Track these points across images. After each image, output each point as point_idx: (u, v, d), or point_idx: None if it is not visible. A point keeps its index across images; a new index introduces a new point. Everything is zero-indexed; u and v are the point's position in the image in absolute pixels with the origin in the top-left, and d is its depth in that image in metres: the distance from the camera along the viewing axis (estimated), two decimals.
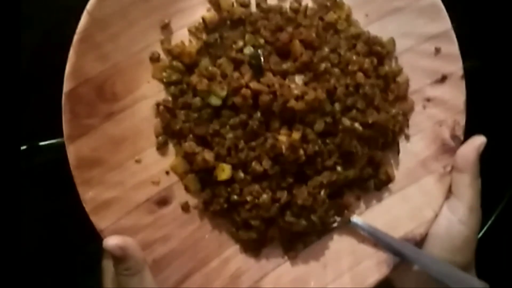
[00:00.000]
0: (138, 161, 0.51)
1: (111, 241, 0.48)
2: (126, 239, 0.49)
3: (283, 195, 0.51)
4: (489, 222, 0.71)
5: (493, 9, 0.70)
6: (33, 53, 0.62)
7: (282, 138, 0.50)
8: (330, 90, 0.51)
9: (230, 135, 0.50)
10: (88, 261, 0.66)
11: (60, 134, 0.49)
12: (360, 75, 0.52)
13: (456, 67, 0.54)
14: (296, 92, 0.49)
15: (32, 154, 0.64)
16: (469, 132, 0.55)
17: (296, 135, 0.50)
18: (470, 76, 0.55)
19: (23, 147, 0.63)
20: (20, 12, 0.47)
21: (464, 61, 0.55)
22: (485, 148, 0.53)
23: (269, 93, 0.49)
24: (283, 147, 0.49)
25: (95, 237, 0.50)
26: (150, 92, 0.52)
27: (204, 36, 0.52)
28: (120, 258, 0.48)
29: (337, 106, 0.51)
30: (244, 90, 0.49)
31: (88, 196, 0.49)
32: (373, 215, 0.55)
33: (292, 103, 0.49)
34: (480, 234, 0.68)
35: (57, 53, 0.49)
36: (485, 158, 0.53)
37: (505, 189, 0.73)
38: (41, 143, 0.64)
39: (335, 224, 0.54)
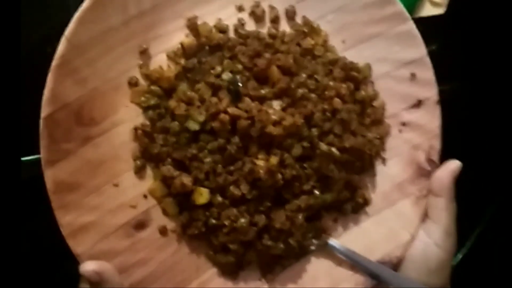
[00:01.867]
0: (116, 185, 0.51)
1: (88, 267, 0.48)
2: (102, 264, 0.49)
3: (261, 219, 0.51)
4: (466, 247, 0.72)
5: (470, 33, 0.71)
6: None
7: (260, 162, 0.50)
8: (308, 115, 0.51)
9: (208, 159, 0.51)
10: (63, 281, 0.66)
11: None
12: (337, 101, 0.53)
13: (431, 92, 0.55)
14: (274, 117, 0.50)
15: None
16: (446, 155, 0.55)
17: (274, 160, 0.50)
18: (447, 99, 0.56)
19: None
20: (20, 28, 0.47)
21: (441, 83, 0.56)
22: (462, 172, 0.53)
23: (247, 118, 0.50)
24: (261, 172, 0.50)
25: (72, 257, 0.50)
26: (128, 116, 0.52)
27: (182, 61, 0.52)
28: (97, 283, 0.48)
29: (314, 131, 0.52)
30: (222, 115, 0.50)
31: (65, 220, 0.49)
32: (350, 238, 0.55)
33: (270, 128, 0.50)
34: (457, 260, 0.69)
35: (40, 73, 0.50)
36: (462, 182, 0.54)
37: (481, 215, 0.74)
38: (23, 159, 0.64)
39: (312, 247, 0.54)
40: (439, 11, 0.69)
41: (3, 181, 0.44)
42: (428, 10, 0.69)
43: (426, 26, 0.57)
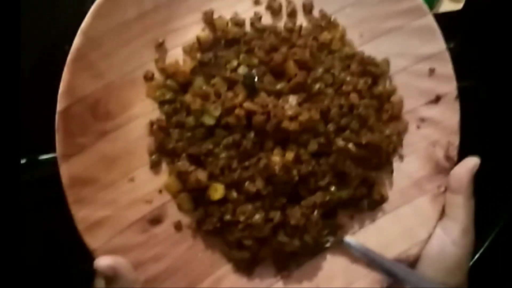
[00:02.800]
0: (131, 180, 0.51)
1: (103, 262, 0.47)
2: (117, 259, 0.48)
3: (276, 215, 0.51)
4: (484, 246, 0.71)
5: (489, 28, 0.70)
6: (34, 67, 0.62)
7: (276, 158, 0.50)
8: (324, 110, 0.51)
9: (223, 155, 0.50)
10: (84, 277, 0.66)
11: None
12: (354, 96, 0.52)
13: (450, 87, 0.55)
14: (290, 112, 0.50)
15: (32, 168, 0.64)
16: (463, 152, 0.55)
17: (289, 156, 0.50)
18: (465, 96, 0.55)
19: (23, 161, 0.63)
20: (20, 25, 0.47)
21: (459, 81, 0.55)
22: (481, 169, 0.53)
23: (263, 113, 0.49)
24: (277, 168, 0.49)
25: (87, 255, 0.50)
26: (144, 111, 0.52)
27: (198, 56, 0.52)
28: (112, 279, 0.48)
29: (330, 126, 0.51)
30: (238, 110, 0.49)
31: (81, 215, 0.49)
32: (366, 235, 0.54)
33: (286, 123, 0.49)
34: (475, 258, 0.68)
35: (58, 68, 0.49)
36: (480, 180, 0.53)
37: (501, 212, 0.73)
38: (41, 157, 0.64)
39: (328, 244, 0.53)
40: (458, 6, 0.68)
41: (2, 181, 0.44)
42: (446, 6, 0.68)
43: (444, 22, 0.55)
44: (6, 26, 0.45)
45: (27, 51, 0.54)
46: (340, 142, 0.51)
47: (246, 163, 0.51)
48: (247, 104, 0.50)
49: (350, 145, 0.51)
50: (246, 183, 0.50)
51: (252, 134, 0.50)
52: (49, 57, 0.60)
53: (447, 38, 0.55)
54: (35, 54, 0.61)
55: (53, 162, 0.50)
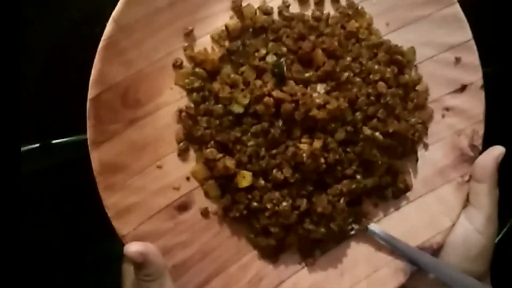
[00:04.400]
0: (159, 167, 0.52)
1: (133, 248, 0.48)
2: (147, 245, 0.49)
3: (303, 203, 0.51)
4: (504, 231, 0.71)
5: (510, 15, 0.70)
6: (51, 54, 0.62)
7: (304, 146, 0.50)
8: (352, 99, 0.51)
9: (251, 143, 0.51)
10: (97, 261, 0.67)
11: (72, 133, 0.49)
12: (381, 85, 0.52)
13: (475, 77, 0.55)
14: (318, 101, 0.50)
15: (45, 153, 0.64)
16: (487, 141, 0.55)
17: (317, 144, 0.50)
18: (489, 83, 0.55)
19: (36, 145, 0.64)
20: (20, 11, 0.47)
21: (482, 67, 0.55)
22: (504, 158, 0.53)
23: (292, 101, 0.50)
24: (304, 156, 0.50)
25: (104, 238, 0.50)
26: (172, 99, 0.52)
27: (226, 44, 0.52)
28: (141, 264, 0.48)
29: (358, 115, 0.52)
30: (266, 99, 0.50)
31: (111, 201, 0.49)
32: (390, 223, 0.55)
33: (314, 112, 0.50)
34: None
35: (72, 55, 0.49)
36: (503, 168, 0.53)
37: None
38: (54, 141, 0.64)
39: (352, 232, 0.54)
40: None
41: (3, 172, 0.44)
42: None
43: (465, 9, 0.55)
44: (5, 22, 0.45)
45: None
46: (367, 131, 0.51)
47: (274, 151, 0.51)
48: (276, 93, 0.50)
49: (377, 134, 0.52)
50: (274, 171, 0.51)
51: (280, 122, 0.50)
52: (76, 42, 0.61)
53: (470, 24, 0.55)
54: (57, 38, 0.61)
55: (67, 147, 0.50)
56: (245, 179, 0.51)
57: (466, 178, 0.54)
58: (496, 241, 0.66)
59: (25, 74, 0.49)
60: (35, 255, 0.63)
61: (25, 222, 0.60)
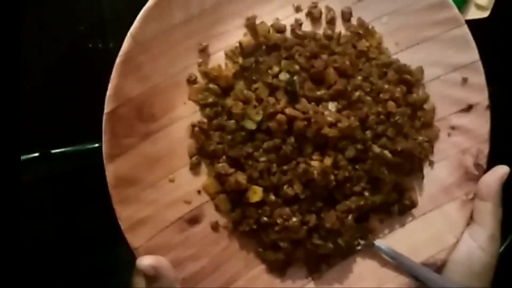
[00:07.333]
0: (171, 180, 0.52)
1: (145, 261, 0.48)
2: (159, 258, 0.49)
3: (312, 219, 0.52)
4: (503, 247, 0.72)
5: None
6: (52, 65, 0.63)
7: (315, 163, 0.51)
8: (363, 118, 0.52)
9: (263, 158, 0.51)
10: (97, 269, 0.67)
11: (71, 143, 0.50)
12: (391, 104, 0.53)
13: (481, 97, 0.56)
14: (330, 119, 0.51)
15: (45, 162, 0.65)
16: (491, 159, 0.56)
17: (328, 161, 0.51)
18: (494, 101, 0.56)
19: (36, 154, 0.64)
20: (20, 13, 0.48)
21: (488, 86, 0.56)
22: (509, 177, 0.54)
23: (304, 119, 0.50)
24: (315, 172, 0.50)
25: (105, 246, 0.51)
26: (186, 113, 0.53)
27: (240, 60, 0.53)
28: (153, 278, 0.49)
29: (368, 133, 0.52)
30: (279, 116, 0.50)
31: (125, 214, 0.50)
32: (395, 239, 0.56)
33: (326, 130, 0.50)
34: None
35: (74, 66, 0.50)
36: (507, 186, 0.54)
37: None
38: (54, 151, 0.65)
39: (359, 247, 0.55)
40: (484, 14, 0.69)
41: (3, 180, 0.44)
42: (473, 14, 0.69)
43: (471, 29, 0.56)
44: (5, 24, 0.45)
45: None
46: (376, 149, 0.52)
47: (285, 167, 0.52)
48: (289, 110, 0.50)
49: (386, 152, 0.53)
50: (285, 187, 0.51)
51: (292, 139, 0.51)
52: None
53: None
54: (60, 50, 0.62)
55: (66, 157, 0.51)
56: (256, 194, 0.51)
57: (471, 196, 0.55)
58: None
59: (26, 84, 0.49)
60: (35, 263, 0.63)
61: (25, 230, 0.60)
